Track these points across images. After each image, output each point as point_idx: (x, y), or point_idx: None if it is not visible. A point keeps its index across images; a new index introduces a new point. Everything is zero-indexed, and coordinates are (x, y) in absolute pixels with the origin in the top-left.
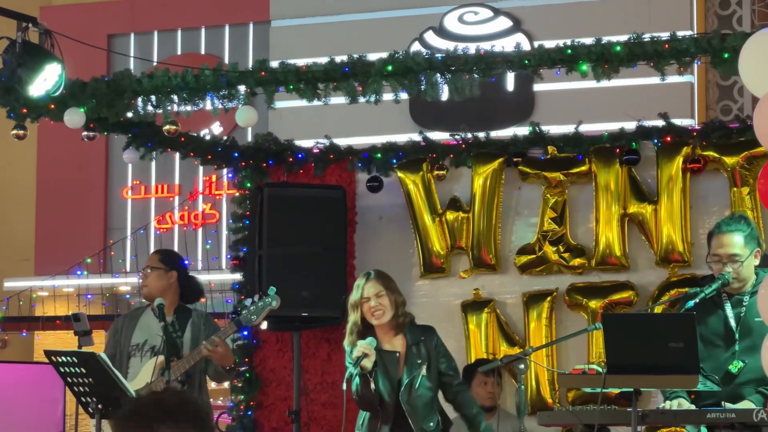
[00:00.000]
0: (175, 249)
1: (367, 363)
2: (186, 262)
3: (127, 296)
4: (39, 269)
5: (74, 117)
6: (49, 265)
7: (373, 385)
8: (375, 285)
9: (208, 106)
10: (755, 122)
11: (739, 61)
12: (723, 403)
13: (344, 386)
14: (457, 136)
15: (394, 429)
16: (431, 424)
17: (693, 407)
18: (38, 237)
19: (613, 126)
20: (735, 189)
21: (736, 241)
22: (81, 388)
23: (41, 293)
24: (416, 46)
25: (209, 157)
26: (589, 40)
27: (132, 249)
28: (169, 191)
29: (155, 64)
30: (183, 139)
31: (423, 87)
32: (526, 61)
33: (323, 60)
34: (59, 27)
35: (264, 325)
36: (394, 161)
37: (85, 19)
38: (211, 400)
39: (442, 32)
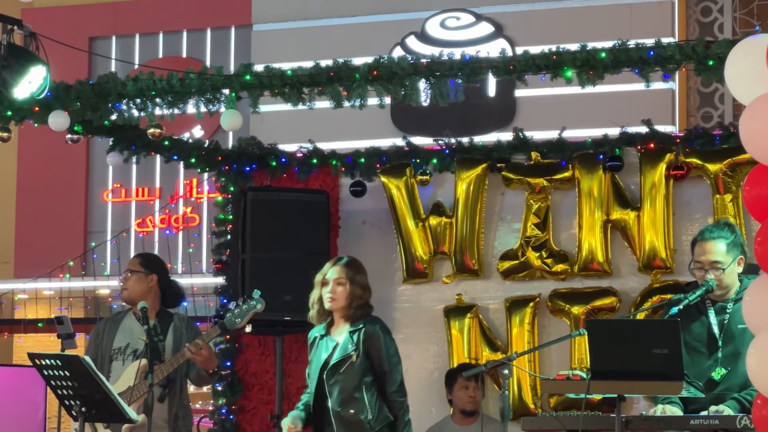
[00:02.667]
0: (156, 252)
1: None
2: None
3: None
4: (18, 272)
5: (59, 120)
6: (29, 267)
7: None
8: (339, 271)
9: (191, 109)
10: (741, 129)
11: (725, 69)
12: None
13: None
14: (440, 142)
15: (318, 416)
16: (351, 411)
17: (679, 414)
18: (18, 239)
19: (596, 132)
20: (718, 196)
21: (718, 249)
22: (65, 391)
23: (21, 296)
24: (398, 51)
25: (192, 160)
26: (574, 46)
27: (113, 252)
28: (149, 194)
29: (137, 66)
30: (167, 142)
31: (407, 92)
32: (511, 67)
33: (305, 64)
34: (41, 29)
35: (248, 329)
36: (378, 166)
37: (66, 22)
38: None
39: (424, 37)
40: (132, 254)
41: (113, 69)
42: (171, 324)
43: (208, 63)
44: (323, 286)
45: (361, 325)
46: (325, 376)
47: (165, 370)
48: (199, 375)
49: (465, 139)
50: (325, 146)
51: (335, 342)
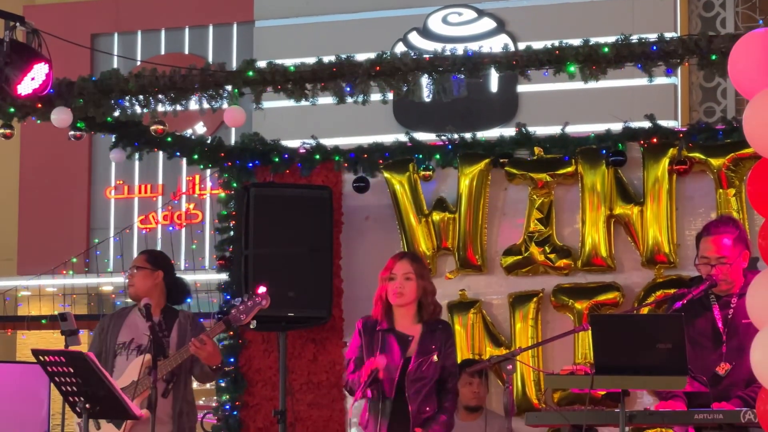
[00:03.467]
0: (159, 249)
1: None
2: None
3: (116, 297)
4: (21, 269)
5: (62, 116)
6: (32, 265)
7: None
8: (407, 265)
9: (194, 105)
10: (745, 124)
11: (728, 63)
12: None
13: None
14: (443, 137)
15: (395, 410)
16: (427, 408)
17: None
18: (21, 237)
19: (599, 127)
20: (721, 190)
21: (724, 243)
22: (68, 388)
23: (24, 293)
24: (400, 47)
25: (195, 156)
26: (576, 41)
27: (116, 249)
28: (152, 191)
29: (139, 63)
30: (170, 138)
31: (410, 87)
32: (514, 62)
33: (308, 60)
34: (43, 26)
35: (253, 324)
36: (381, 162)
37: (68, 19)
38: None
39: (426, 33)
40: (135, 251)
41: (115, 66)
42: (176, 320)
43: (210, 59)
44: (390, 281)
45: (440, 326)
46: (406, 375)
47: (169, 365)
48: (203, 371)
49: (468, 135)
50: (327, 142)
51: (408, 337)
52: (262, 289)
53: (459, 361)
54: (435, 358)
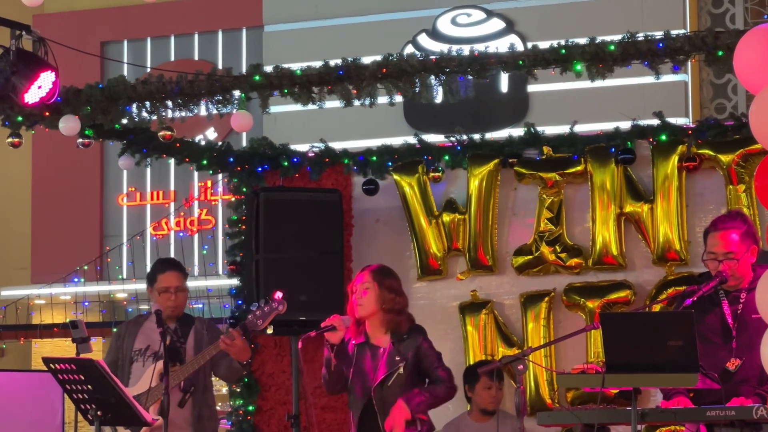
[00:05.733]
0: (172, 255)
1: (332, 336)
2: None
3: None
4: (35, 277)
5: (69, 124)
6: (46, 273)
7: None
8: (365, 276)
9: (203, 111)
10: (751, 119)
11: (734, 59)
12: None
13: None
14: (452, 138)
15: (362, 422)
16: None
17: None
18: (34, 245)
19: (608, 126)
20: (731, 187)
21: (732, 239)
22: (80, 395)
23: (38, 301)
24: (409, 49)
25: (204, 162)
26: (583, 40)
27: (128, 256)
28: (164, 197)
29: (149, 70)
30: (178, 144)
31: (417, 89)
32: (521, 62)
33: (316, 64)
34: (52, 35)
35: (270, 330)
36: (390, 164)
37: (78, 27)
38: None
39: (435, 35)
40: (148, 258)
41: (125, 73)
42: (192, 327)
43: (219, 65)
44: (352, 294)
45: (405, 336)
46: (373, 392)
47: (185, 371)
48: (232, 366)
49: (476, 135)
50: (337, 145)
51: (379, 348)
52: (278, 295)
53: (471, 361)
54: (401, 370)
